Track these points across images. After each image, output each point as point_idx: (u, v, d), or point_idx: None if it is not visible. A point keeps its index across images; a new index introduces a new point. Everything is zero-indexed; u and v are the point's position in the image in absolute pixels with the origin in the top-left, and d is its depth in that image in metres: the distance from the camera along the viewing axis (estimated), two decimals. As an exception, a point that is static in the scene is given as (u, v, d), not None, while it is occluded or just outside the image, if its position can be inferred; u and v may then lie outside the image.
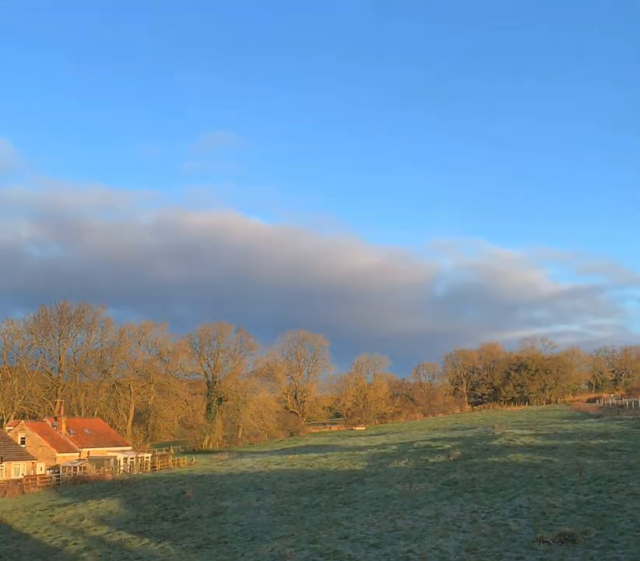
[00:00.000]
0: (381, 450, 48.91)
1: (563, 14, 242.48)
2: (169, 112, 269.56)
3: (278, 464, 49.44)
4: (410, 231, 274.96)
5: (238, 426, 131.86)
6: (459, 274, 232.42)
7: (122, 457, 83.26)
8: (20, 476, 69.52)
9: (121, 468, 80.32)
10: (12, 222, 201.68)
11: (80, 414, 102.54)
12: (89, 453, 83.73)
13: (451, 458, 38.17)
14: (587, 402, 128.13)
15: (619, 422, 52.03)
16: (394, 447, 49.91)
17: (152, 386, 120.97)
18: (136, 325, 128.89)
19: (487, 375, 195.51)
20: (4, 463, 69.88)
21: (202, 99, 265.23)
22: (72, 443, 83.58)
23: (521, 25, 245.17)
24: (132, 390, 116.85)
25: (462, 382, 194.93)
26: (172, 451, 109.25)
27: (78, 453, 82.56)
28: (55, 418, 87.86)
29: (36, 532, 32.23)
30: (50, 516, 36.77)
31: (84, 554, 25.87)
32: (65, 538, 29.52)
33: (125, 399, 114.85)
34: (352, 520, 23.36)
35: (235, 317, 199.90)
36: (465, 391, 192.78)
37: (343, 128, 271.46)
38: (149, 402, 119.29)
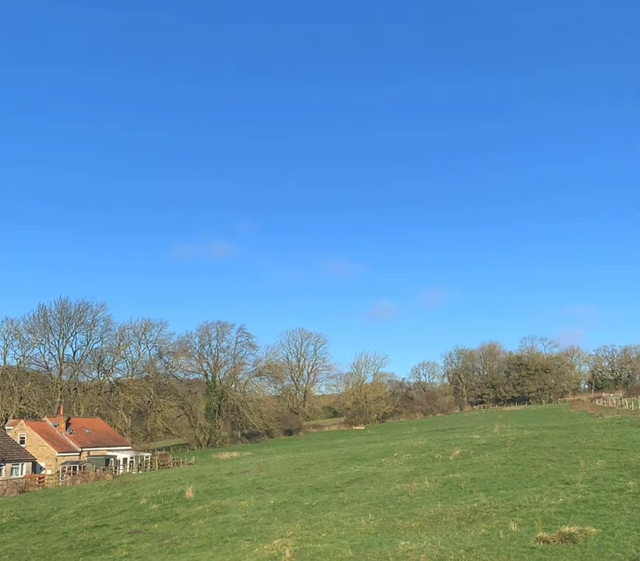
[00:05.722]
0: (381, 450, 48.94)
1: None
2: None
3: (278, 464, 49.46)
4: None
5: (238, 425, 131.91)
6: None
7: (122, 457, 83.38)
8: (20, 476, 69.56)
9: (121, 468, 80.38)
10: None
11: (80, 414, 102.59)
12: (89, 452, 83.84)
13: (450, 458, 38.20)
14: (587, 401, 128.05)
15: (618, 422, 52.03)
16: (393, 447, 49.93)
17: (152, 385, 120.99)
18: (136, 324, 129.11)
19: (486, 375, 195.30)
20: (5, 464, 69.83)
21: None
22: (71, 443, 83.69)
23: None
24: (132, 390, 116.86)
25: (461, 381, 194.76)
26: (172, 450, 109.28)
27: (78, 453, 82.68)
28: (55, 418, 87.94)
29: (38, 532, 32.28)
30: (51, 516, 36.81)
31: (84, 554, 25.89)
32: (64, 539, 29.55)
33: (125, 399, 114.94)
34: (352, 520, 23.39)
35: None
36: (465, 391, 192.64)
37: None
38: (149, 402, 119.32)
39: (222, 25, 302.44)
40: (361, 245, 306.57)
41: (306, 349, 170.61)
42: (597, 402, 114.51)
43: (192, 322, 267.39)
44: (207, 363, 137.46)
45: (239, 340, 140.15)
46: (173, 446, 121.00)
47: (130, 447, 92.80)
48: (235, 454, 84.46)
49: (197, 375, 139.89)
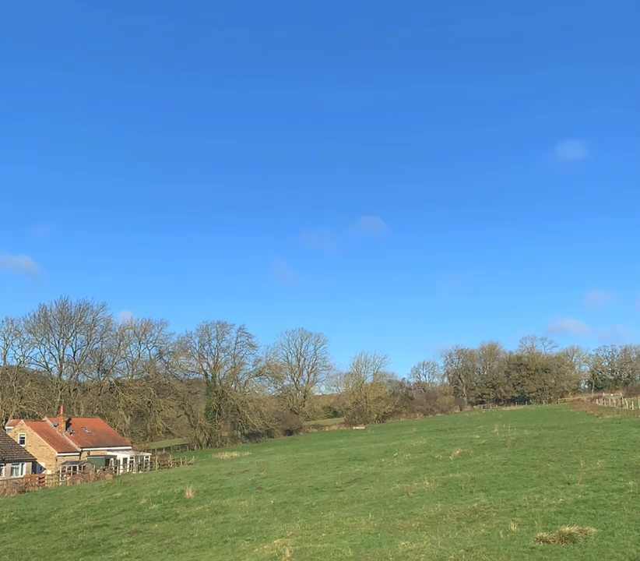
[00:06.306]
0: (381, 450, 48.93)
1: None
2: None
3: (278, 464, 49.45)
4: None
5: (238, 425, 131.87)
6: None
7: (122, 457, 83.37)
8: (20, 476, 69.54)
9: (121, 468, 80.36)
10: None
11: (80, 414, 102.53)
12: (89, 452, 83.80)
13: (450, 458, 38.21)
14: (587, 401, 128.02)
15: (618, 422, 52.04)
16: (393, 447, 49.92)
17: (152, 385, 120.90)
18: (136, 324, 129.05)
19: (486, 375, 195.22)
20: (5, 464, 69.79)
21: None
22: (71, 443, 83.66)
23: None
24: (132, 390, 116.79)
25: (461, 381, 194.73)
26: (172, 451, 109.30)
27: (78, 453, 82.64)
28: (55, 418, 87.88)
29: (38, 532, 32.28)
30: (51, 516, 36.79)
31: (84, 554, 25.89)
32: (64, 539, 29.54)
33: (125, 399, 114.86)
34: (352, 520, 23.39)
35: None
36: (465, 391, 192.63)
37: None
38: (149, 402, 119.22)
39: (222, 28, 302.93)
40: (362, 244, 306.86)
41: (306, 349, 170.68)
42: (597, 402, 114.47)
43: (192, 322, 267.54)
44: (207, 363, 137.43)
45: (239, 340, 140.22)
46: (173, 446, 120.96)
47: (130, 447, 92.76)
48: (235, 454, 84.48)
49: (197, 375, 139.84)
